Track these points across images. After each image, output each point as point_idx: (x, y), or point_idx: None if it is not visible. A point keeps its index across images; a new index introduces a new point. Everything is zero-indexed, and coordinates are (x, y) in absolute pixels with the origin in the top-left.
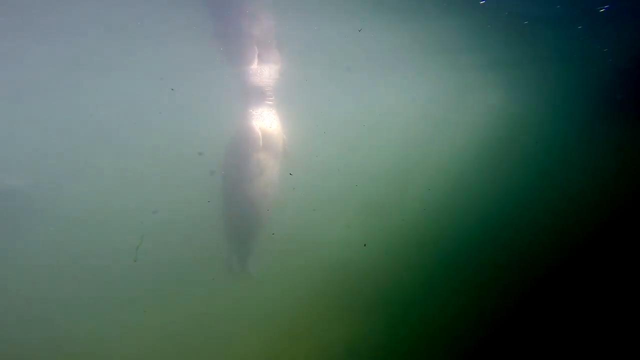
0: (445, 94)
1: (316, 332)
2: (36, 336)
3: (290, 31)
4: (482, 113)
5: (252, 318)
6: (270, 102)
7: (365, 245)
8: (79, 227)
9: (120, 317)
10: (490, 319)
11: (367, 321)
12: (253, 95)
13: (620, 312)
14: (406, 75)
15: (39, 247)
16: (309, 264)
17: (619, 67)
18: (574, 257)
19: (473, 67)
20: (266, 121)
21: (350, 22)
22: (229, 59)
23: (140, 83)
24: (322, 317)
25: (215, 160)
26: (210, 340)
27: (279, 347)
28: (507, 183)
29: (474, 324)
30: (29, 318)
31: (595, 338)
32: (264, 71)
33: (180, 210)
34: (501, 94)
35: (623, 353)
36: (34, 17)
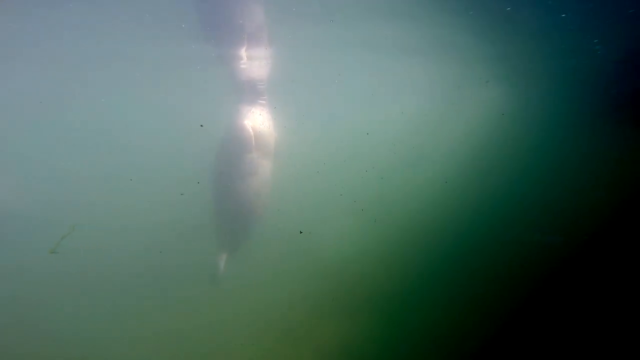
0: (444, 90)
1: (314, 335)
2: (35, 341)
3: (281, 26)
4: (481, 109)
5: (249, 322)
6: (262, 100)
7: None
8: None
9: (115, 322)
10: (491, 321)
11: (365, 324)
12: (244, 93)
13: (625, 312)
14: (403, 70)
15: (36, 252)
16: (305, 267)
17: (613, 60)
18: (576, 258)
19: (472, 62)
20: (258, 119)
21: (346, 18)
22: (218, 55)
23: (129, 82)
24: (319, 320)
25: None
26: (206, 345)
27: (276, 351)
28: (507, 181)
29: (473, 327)
30: (27, 323)
31: (599, 338)
32: (255, 68)
33: (174, 211)
34: (501, 89)
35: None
36: (21, 17)
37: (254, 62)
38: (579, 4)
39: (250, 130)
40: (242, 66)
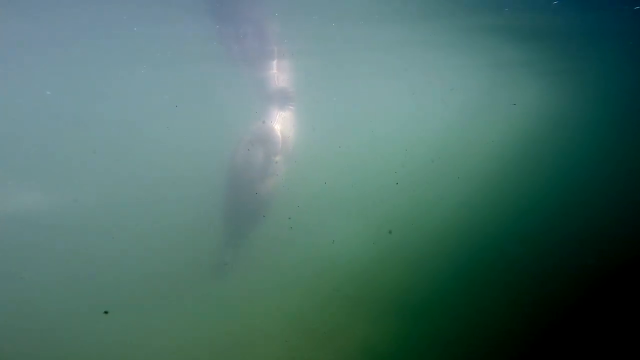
0: (478, 93)
1: (336, 336)
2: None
3: (305, 29)
4: (517, 112)
5: (271, 322)
6: (291, 106)
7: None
8: (81, 234)
9: (131, 323)
10: (518, 325)
11: (388, 326)
12: (264, 96)
13: None
14: (436, 74)
15: (41, 255)
16: (328, 268)
17: None
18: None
19: (509, 64)
20: (286, 124)
21: (373, 19)
22: (239, 59)
23: (155, 85)
24: (342, 321)
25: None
26: (226, 346)
27: (298, 352)
28: (536, 186)
29: (499, 330)
30: (32, 325)
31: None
32: (276, 72)
33: (196, 212)
34: (538, 91)
35: None
36: (36, 13)
37: (275, 65)
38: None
39: (279, 135)
40: (271, 75)
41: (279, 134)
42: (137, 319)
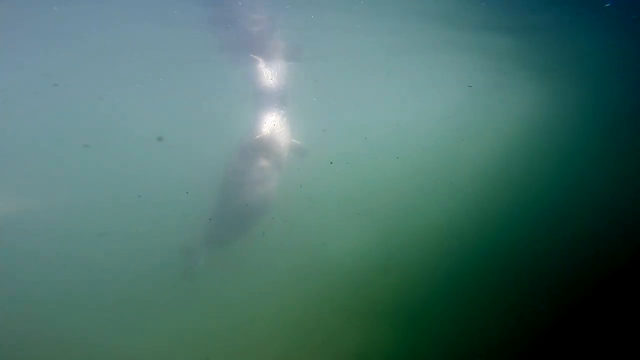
0: (476, 94)
1: (331, 342)
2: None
3: (304, 38)
4: (514, 113)
5: (266, 328)
6: (282, 111)
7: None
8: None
9: (128, 328)
10: (517, 330)
11: (382, 332)
12: (265, 102)
13: None
14: (432, 74)
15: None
16: (323, 274)
17: None
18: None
19: (506, 66)
20: (275, 129)
21: (375, 19)
22: (237, 60)
23: (149, 86)
24: (336, 327)
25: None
26: (221, 351)
27: (293, 357)
28: (534, 188)
29: (491, 333)
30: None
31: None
32: (274, 73)
33: (192, 214)
34: (535, 92)
35: None
36: (31, 16)
37: (272, 66)
38: None
39: (267, 140)
40: (264, 77)
41: (273, 137)
42: (135, 321)
